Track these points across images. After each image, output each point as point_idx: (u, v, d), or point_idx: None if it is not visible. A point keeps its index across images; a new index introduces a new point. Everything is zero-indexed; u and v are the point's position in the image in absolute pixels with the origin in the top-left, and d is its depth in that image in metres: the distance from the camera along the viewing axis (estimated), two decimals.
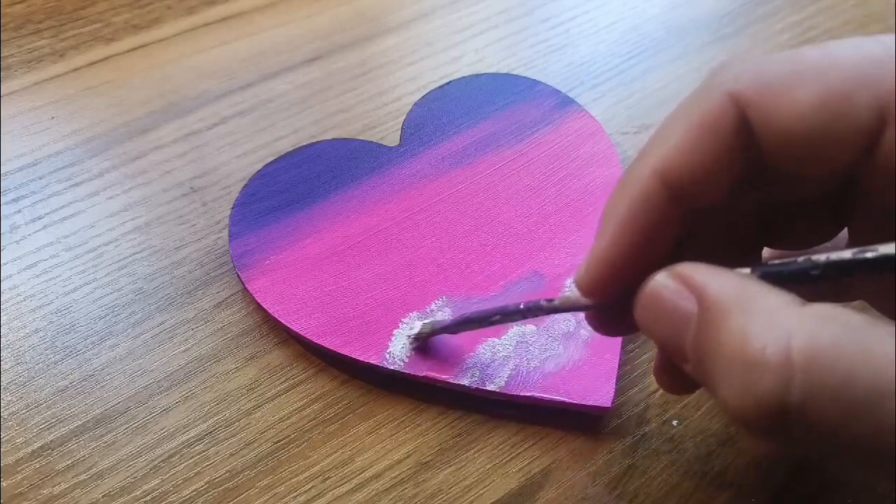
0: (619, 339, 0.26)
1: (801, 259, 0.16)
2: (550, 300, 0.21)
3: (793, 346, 0.14)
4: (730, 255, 0.21)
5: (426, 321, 0.26)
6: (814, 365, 0.13)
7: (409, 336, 0.26)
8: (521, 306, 0.22)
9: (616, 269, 0.18)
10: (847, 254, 0.15)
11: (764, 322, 0.14)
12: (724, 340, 0.15)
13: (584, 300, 0.19)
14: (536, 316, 0.22)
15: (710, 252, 0.20)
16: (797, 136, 0.16)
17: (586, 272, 0.18)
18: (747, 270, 0.16)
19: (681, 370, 0.17)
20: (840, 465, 0.25)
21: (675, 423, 0.26)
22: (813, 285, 0.16)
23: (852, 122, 0.16)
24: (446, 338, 0.26)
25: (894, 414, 0.13)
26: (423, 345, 0.26)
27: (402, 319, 0.27)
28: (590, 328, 0.27)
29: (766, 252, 0.22)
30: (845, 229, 0.20)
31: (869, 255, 0.15)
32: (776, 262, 0.16)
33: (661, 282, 0.16)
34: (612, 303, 0.19)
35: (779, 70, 0.17)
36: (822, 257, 0.15)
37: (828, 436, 0.14)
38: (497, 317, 0.23)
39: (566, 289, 0.27)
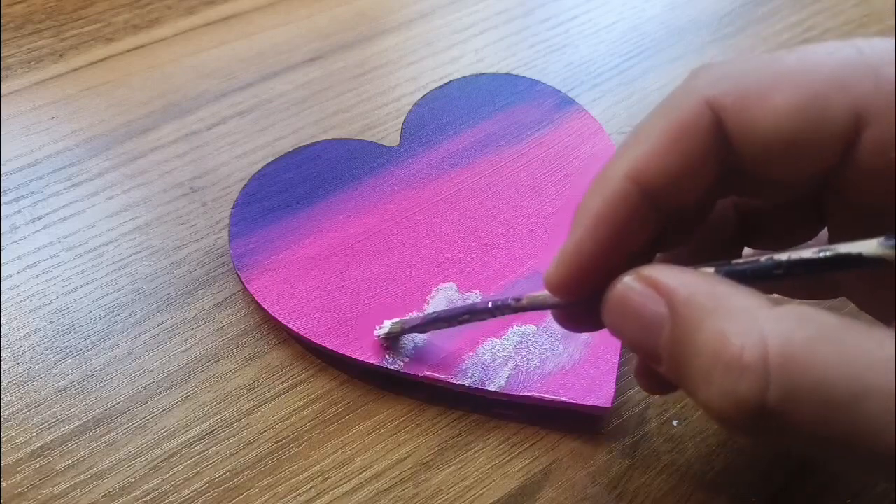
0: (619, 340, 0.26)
1: (763, 258, 0.16)
2: (518, 299, 0.21)
3: (769, 347, 0.14)
4: (710, 253, 0.21)
5: (395, 320, 0.26)
6: (789, 366, 0.14)
7: (379, 336, 0.26)
8: (490, 304, 0.22)
9: (585, 268, 0.18)
10: (808, 253, 0.15)
11: (740, 324, 0.14)
12: (702, 343, 0.15)
13: (552, 299, 0.19)
14: (504, 315, 0.22)
15: (689, 251, 0.21)
16: (774, 142, 0.16)
17: (555, 270, 0.18)
18: (711, 270, 0.16)
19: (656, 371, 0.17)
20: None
21: (675, 423, 0.26)
22: (778, 283, 0.16)
23: (828, 127, 0.16)
24: (418, 337, 0.26)
25: (872, 415, 0.13)
26: (393, 344, 0.26)
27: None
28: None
29: (747, 251, 0.22)
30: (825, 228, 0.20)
31: (827, 254, 0.15)
32: (740, 261, 0.16)
33: (629, 284, 0.17)
34: (581, 302, 0.19)
35: (755, 76, 0.17)
36: (784, 256, 0.16)
37: (807, 434, 0.14)
38: (465, 316, 0.23)
39: None
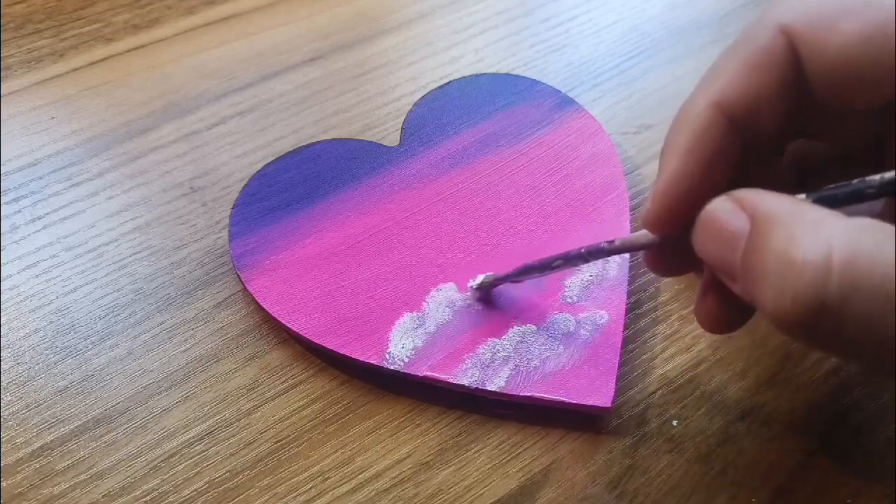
0: (619, 340, 0.26)
1: (855, 181, 0.17)
2: (611, 241, 0.21)
3: (834, 247, 0.14)
4: None
5: (489, 273, 0.26)
6: (854, 265, 0.14)
7: (472, 287, 0.27)
8: (583, 250, 0.22)
9: (679, 200, 0.19)
10: None
11: (808, 229, 0.15)
12: (770, 247, 0.15)
13: (643, 239, 0.20)
14: (597, 259, 0.23)
15: None
16: (841, 67, 0.17)
17: (651, 205, 0.19)
18: (803, 196, 0.17)
19: (723, 296, 0.18)
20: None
21: (675, 423, 0.26)
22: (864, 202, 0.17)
23: (892, 55, 0.17)
24: (507, 289, 0.27)
25: None
26: (485, 295, 0.27)
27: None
28: (587, 330, 0.26)
29: None
30: None
31: None
32: (831, 186, 0.17)
33: (719, 205, 0.17)
34: (674, 237, 0.19)
35: (826, 5, 0.18)
36: (876, 178, 0.16)
37: (862, 336, 0.15)
38: (559, 262, 0.23)
39: (565, 289, 0.27)
